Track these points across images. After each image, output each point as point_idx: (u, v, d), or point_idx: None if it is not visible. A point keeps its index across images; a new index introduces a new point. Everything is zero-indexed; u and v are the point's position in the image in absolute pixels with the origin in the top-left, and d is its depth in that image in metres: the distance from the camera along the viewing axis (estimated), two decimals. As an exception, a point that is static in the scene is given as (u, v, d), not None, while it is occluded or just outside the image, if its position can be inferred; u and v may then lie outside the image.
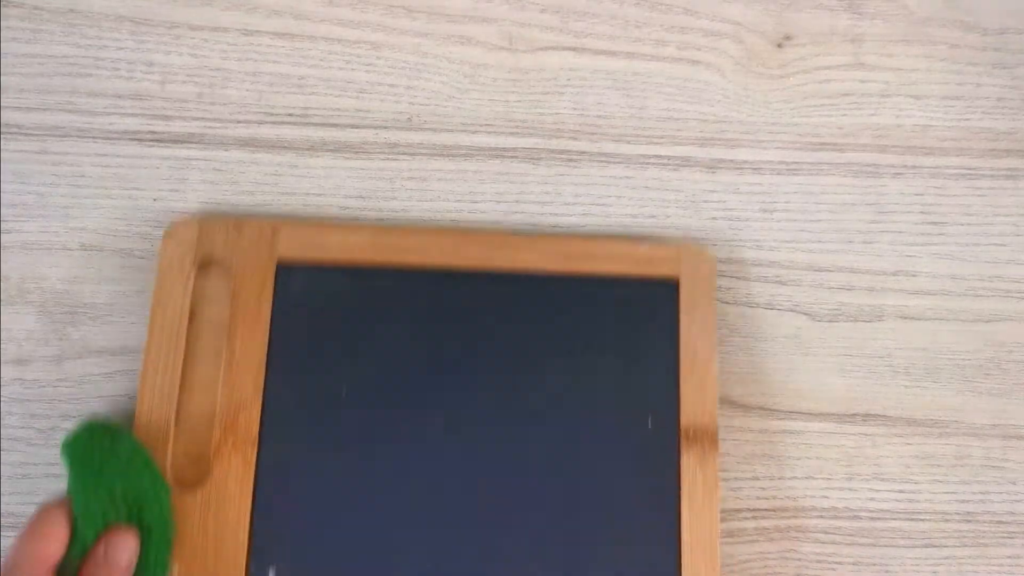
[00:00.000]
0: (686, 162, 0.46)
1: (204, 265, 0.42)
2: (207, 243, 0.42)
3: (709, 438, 0.41)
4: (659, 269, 0.42)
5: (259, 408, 0.40)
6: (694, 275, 0.42)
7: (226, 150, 0.45)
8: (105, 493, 0.37)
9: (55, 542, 0.36)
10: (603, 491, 0.40)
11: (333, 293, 0.42)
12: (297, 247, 0.42)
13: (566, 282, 0.42)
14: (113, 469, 0.37)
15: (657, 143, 0.46)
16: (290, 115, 0.45)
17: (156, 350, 0.41)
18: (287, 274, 0.42)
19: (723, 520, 0.42)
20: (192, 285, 0.41)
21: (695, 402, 0.41)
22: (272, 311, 0.41)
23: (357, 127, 0.45)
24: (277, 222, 0.42)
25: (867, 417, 0.44)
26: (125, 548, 0.36)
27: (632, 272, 0.42)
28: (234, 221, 0.42)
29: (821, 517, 0.43)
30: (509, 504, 0.40)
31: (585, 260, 0.42)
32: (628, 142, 0.46)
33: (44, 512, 0.36)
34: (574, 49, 0.46)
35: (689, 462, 0.40)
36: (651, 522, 0.40)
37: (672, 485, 0.40)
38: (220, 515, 0.39)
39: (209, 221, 0.42)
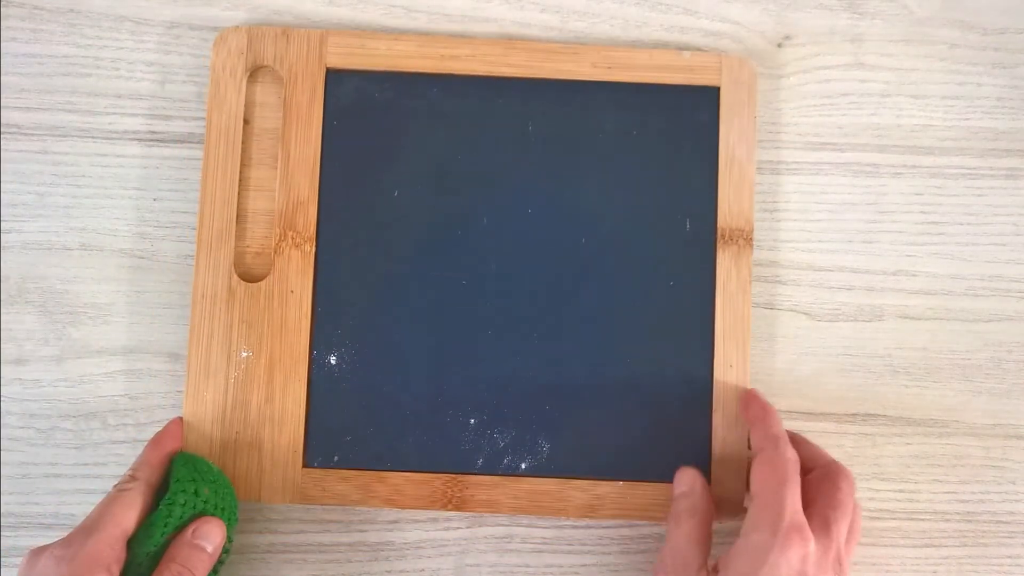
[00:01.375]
0: (686, 162, 0.46)
1: (254, 73, 0.44)
2: (257, 50, 0.43)
3: (744, 238, 0.43)
4: (700, 77, 0.44)
5: (315, 207, 0.43)
6: (734, 83, 0.44)
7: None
8: (197, 489, 0.39)
9: (132, 512, 0.37)
10: (643, 288, 0.43)
11: (383, 99, 0.44)
12: (345, 55, 0.43)
13: (609, 89, 0.44)
14: (207, 477, 0.40)
15: (657, 143, 0.46)
16: (290, 115, 0.45)
17: (214, 153, 0.43)
18: (337, 81, 0.43)
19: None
20: (244, 90, 0.43)
21: (732, 205, 0.43)
22: (324, 116, 0.43)
23: (357, 127, 0.45)
24: (324, 31, 0.44)
25: (867, 417, 0.44)
26: (214, 535, 0.38)
27: (674, 81, 0.44)
28: (282, 29, 0.44)
29: (821, 517, 0.43)
30: (555, 299, 0.43)
31: (628, 70, 0.44)
32: (628, 142, 0.46)
33: (126, 486, 0.38)
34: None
35: (724, 260, 0.43)
36: (688, 315, 0.43)
37: (708, 282, 0.43)
38: (283, 306, 0.42)
39: (257, 29, 0.44)
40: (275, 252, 0.43)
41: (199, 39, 0.45)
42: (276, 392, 0.42)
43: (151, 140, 0.45)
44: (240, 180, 0.43)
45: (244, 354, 0.42)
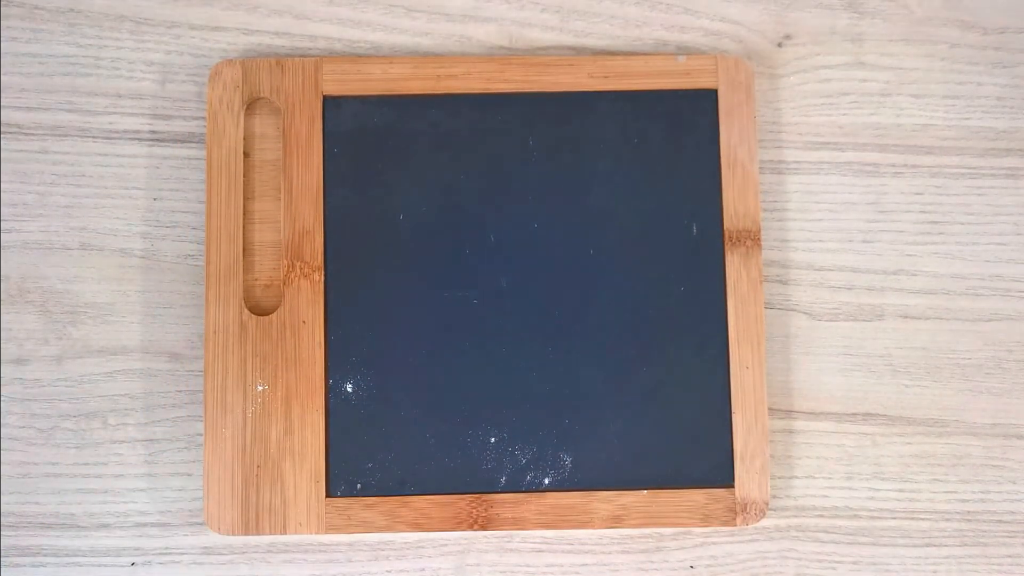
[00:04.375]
0: (686, 161, 0.46)
1: (251, 105, 0.44)
2: (252, 82, 0.43)
3: (752, 239, 0.43)
4: (697, 81, 0.44)
5: (322, 236, 0.43)
6: (731, 83, 0.44)
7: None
8: None
9: None
10: (655, 295, 0.43)
11: (382, 123, 0.44)
12: (341, 81, 0.43)
13: (608, 99, 0.44)
14: None
15: (657, 142, 0.46)
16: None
17: (216, 188, 0.43)
18: (334, 107, 0.43)
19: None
20: (242, 123, 0.43)
21: (737, 206, 0.43)
22: (324, 144, 0.43)
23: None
24: (318, 58, 0.44)
25: (867, 416, 0.44)
26: None
27: (671, 86, 0.44)
28: (276, 60, 0.44)
29: (821, 516, 0.43)
30: (567, 311, 0.43)
31: (625, 78, 0.44)
32: (628, 142, 0.46)
33: None
34: (574, 48, 0.45)
35: (734, 261, 0.43)
36: (701, 319, 0.43)
37: (719, 285, 0.43)
38: (296, 337, 0.42)
39: (252, 61, 0.43)
40: (284, 283, 0.43)
41: (199, 39, 0.45)
42: (295, 424, 0.42)
43: (151, 140, 0.45)
44: (244, 213, 0.43)
45: (260, 388, 0.42)
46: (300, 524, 0.42)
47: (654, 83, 0.44)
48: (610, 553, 0.43)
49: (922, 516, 0.44)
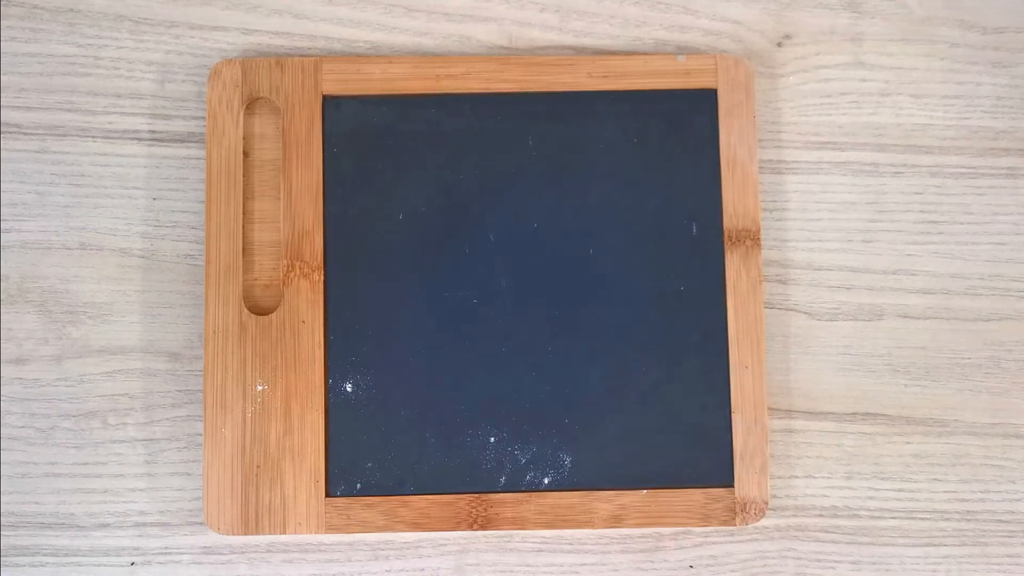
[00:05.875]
0: (686, 161, 0.46)
1: (251, 104, 0.44)
2: (252, 81, 0.43)
3: (752, 239, 0.43)
4: (697, 80, 0.44)
5: (321, 236, 0.43)
6: (731, 83, 0.44)
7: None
8: None
9: None
10: (654, 295, 0.43)
11: (382, 123, 0.44)
12: (340, 81, 0.43)
13: (607, 98, 0.44)
14: None
15: (657, 142, 0.46)
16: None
17: (216, 187, 0.43)
18: (334, 107, 0.43)
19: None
20: (242, 122, 0.43)
21: (737, 206, 0.43)
22: (323, 144, 0.43)
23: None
24: (318, 58, 0.44)
25: (867, 416, 0.44)
26: None
27: (671, 86, 0.44)
28: (276, 60, 0.44)
29: (821, 516, 0.43)
30: (567, 311, 0.43)
31: (624, 77, 0.44)
32: (628, 141, 0.46)
33: None
34: (574, 48, 0.45)
35: (733, 261, 0.43)
36: (701, 318, 0.43)
37: (718, 284, 0.43)
38: (296, 337, 0.42)
39: (251, 61, 0.43)
40: (284, 283, 0.43)
41: (199, 39, 0.45)
42: (294, 424, 0.42)
43: (151, 139, 0.45)
44: (244, 213, 0.43)
45: (260, 387, 0.42)
46: (300, 524, 0.42)
47: (654, 83, 0.44)
48: (610, 553, 0.43)
49: (922, 516, 0.44)
